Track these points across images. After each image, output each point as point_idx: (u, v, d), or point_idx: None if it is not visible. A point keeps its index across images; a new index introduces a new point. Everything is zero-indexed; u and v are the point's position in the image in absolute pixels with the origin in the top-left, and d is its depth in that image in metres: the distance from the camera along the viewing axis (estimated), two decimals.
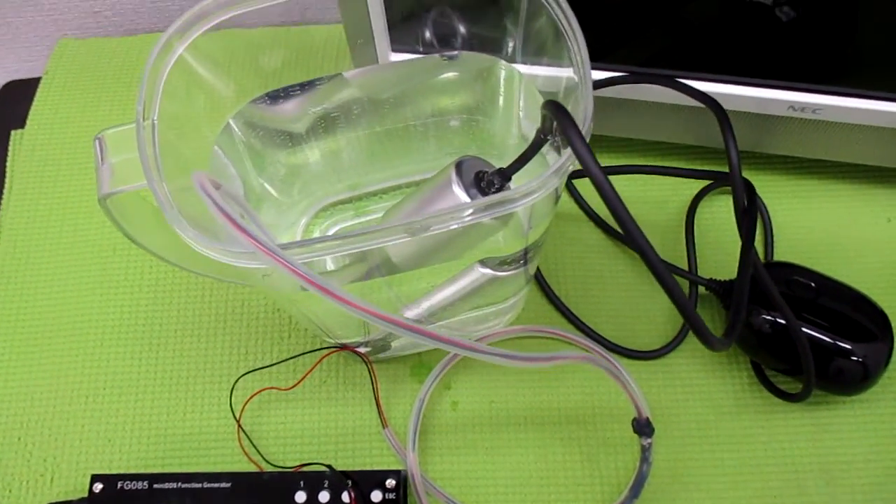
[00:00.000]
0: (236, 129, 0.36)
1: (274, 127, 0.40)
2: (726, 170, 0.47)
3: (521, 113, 0.36)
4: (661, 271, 0.24)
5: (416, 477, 0.41)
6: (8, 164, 0.53)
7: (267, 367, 0.44)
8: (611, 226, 0.48)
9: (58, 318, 0.47)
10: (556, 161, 0.26)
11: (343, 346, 0.41)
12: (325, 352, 0.40)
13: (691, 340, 0.46)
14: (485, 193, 0.34)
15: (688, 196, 0.49)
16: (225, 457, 0.43)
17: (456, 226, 0.25)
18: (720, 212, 0.49)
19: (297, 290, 0.34)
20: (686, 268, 0.47)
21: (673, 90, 0.40)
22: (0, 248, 0.49)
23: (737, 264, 0.42)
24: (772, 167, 0.50)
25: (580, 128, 0.25)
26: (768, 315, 0.41)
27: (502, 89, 0.35)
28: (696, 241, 0.47)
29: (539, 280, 0.47)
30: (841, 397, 0.43)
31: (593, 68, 0.30)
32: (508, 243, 0.35)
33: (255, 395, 0.43)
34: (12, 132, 0.54)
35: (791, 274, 0.42)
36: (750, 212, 0.35)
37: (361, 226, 0.44)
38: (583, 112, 0.26)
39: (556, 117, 0.25)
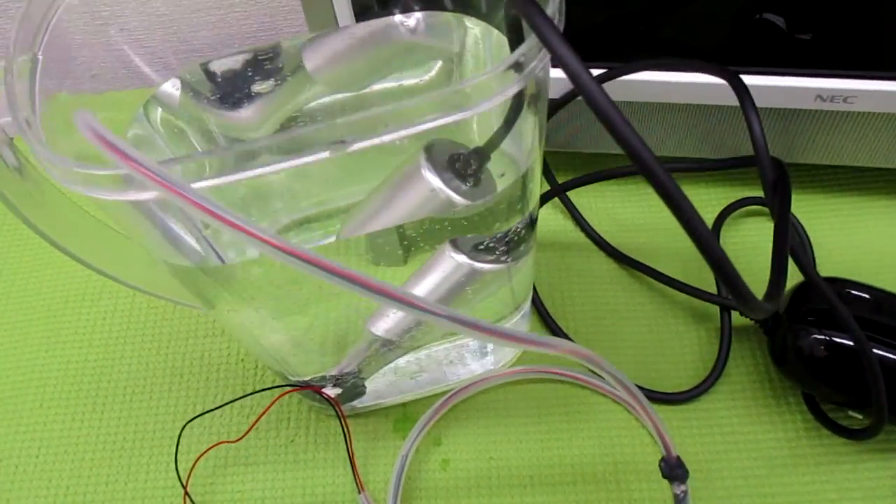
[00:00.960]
0: (178, 123, 0.31)
1: (228, 135, 0.35)
2: (750, 193, 0.42)
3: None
4: (670, 188, 0.18)
5: None
6: None
7: (214, 409, 0.37)
8: (624, 254, 0.41)
9: None
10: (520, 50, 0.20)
11: (306, 386, 0.34)
12: (282, 391, 0.34)
13: (728, 379, 0.38)
14: (462, 177, 0.29)
15: (711, 218, 0.43)
16: None
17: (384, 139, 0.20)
18: (749, 233, 0.43)
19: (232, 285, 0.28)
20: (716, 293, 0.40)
21: (681, 72, 0.35)
22: None
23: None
24: (807, 183, 0.44)
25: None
26: (822, 335, 0.33)
27: (473, 52, 0.31)
28: None
29: (542, 314, 0.40)
30: None
31: (592, 67, 0.25)
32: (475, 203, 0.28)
33: (205, 453, 0.36)
34: None
35: (843, 288, 0.35)
36: (782, 184, 0.29)
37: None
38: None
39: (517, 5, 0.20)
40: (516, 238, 0.29)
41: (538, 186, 0.29)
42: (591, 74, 0.18)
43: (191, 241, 0.25)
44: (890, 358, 0.32)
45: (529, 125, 0.26)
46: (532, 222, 0.30)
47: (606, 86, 0.32)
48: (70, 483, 0.38)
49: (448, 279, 0.29)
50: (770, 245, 0.40)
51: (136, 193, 0.19)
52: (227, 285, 0.29)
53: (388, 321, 0.31)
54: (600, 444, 0.37)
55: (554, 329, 0.39)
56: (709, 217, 0.43)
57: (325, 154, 0.20)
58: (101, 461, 0.38)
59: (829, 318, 0.34)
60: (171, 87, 0.30)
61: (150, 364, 0.41)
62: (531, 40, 0.20)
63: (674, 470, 0.30)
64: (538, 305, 0.40)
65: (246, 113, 0.35)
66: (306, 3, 0.36)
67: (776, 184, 0.28)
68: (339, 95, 0.35)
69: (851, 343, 0.33)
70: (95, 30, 0.27)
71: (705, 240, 0.19)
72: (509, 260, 0.29)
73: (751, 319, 0.37)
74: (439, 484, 0.36)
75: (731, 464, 0.36)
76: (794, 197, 0.43)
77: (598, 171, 0.38)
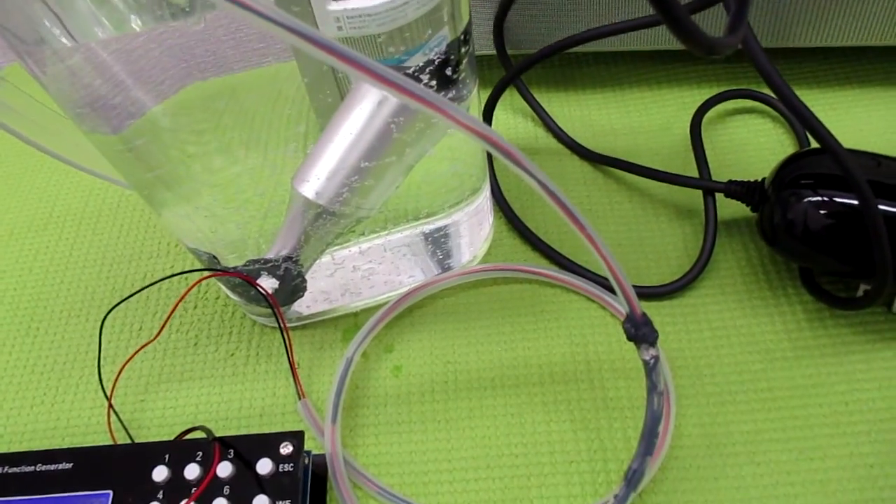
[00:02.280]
0: None
1: None
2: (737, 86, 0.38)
3: None
4: None
5: (336, 459, 0.29)
6: None
7: (130, 296, 0.33)
8: (599, 154, 0.38)
9: None
10: None
11: (233, 272, 0.31)
12: (201, 275, 0.30)
13: (717, 269, 0.34)
14: None
15: (688, 118, 0.39)
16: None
17: None
18: (734, 129, 0.39)
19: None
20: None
21: None
22: None
23: (760, 169, 0.31)
24: (800, 77, 0.40)
25: None
26: (817, 195, 0.29)
27: None
28: (707, 156, 0.37)
29: (509, 217, 0.36)
30: None
31: None
32: None
33: (129, 360, 0.33)
34: None
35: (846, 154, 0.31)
36: None
37: None
38: None
39: None
40: (445, 63, 0.26)
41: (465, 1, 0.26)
42: None
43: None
44: (894, 213, 0.28)
45: None
46: (456, 46, 0.26)
47: None
48: None
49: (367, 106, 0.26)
50: (757, 139, 0.36)
51: None
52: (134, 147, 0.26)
53: (315, 177, 0.27)
54: (571, 343, 0.32)
55: (522, 230, 0.36)
56: (688, 114, 0.39)
57: None
58: (27, 385, 0.35)
59: (821, 182, 0.30)
60: None
61: (89, 288, 0.38)
62: None
63: (639, 329, 0.25)
64: (504, 207, 0.37)
65: None
66: None
67: None
68: None
69: (851, 202, 0.29)
70: None
71: None
72: (434, 83, 0.26)
73: (735, 197, 0.33)
74: (390, 391, 0.32)
75: (721, 359, 0.31)
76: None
77: (551, 44, 0.35)
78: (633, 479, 0.26)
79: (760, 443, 0.29)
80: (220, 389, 0.33)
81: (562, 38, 0.38)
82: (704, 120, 0.39)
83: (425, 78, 0.26)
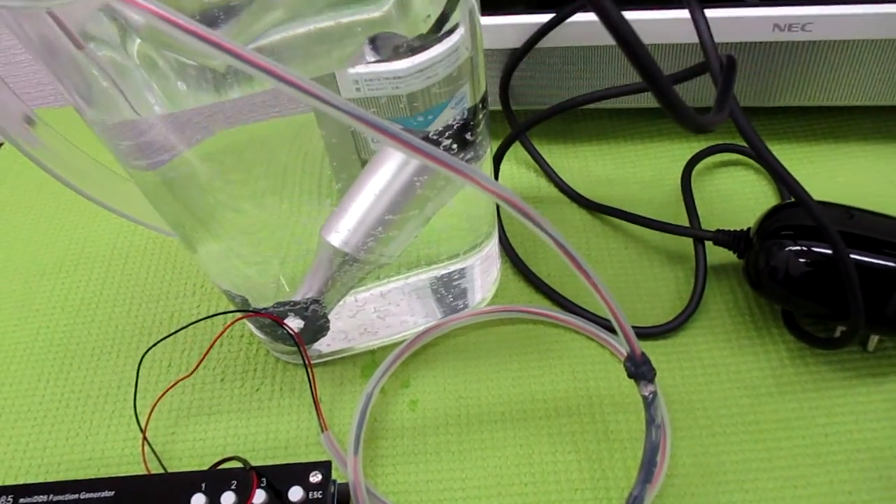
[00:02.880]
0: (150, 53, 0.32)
1: (191, 60, 0.36)
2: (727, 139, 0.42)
3: None
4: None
5: (358, 487, 0.32)
6: None
7: (167, 336, 0.37)
8: (597, 202, 0.41)
9: None
10: None
11: (264, 313, 0.33)
12: (234, 316, 0.33)
13: (707, 311, 0.37)
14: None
15: (681, 168, 0.42)
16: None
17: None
18: (721, 181, 0.42)
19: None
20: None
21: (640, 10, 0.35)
22: None
23: (745, 218, 0.34)
24: (780, 131, 0.44)
25: None
26: (798, 245, 0.32)
27: None
28: (696, 205, 0.40)
29: (514, 261, 0.39)
30: None
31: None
32: None
33: (164, 394, 0.35)
34: None
35: (821, 205, 0.34)
36: (730, 63, 0.28)
37: None
38: None
39: None
40: (465, 127, 0.29)
41: (481, 72, 0.29)
42: None
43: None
44: (865, 261, 0.31)
45: (461, 16, 0.27)
46: (475, 113, 0.30)
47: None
48: (30, 440, 0.36)
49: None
50: (743, 190, 0.40)
51: None
52: (180, 190, 0.29)
53: (344, 227, 0.30)
54: (574, 379, 0.35)
55: (527, 274, 0.39)
56: (678, 169, 0.43)
57: None
58: (63, 418, 0.37)
59: (800, 232, 0.33)
60: None
61: (119, 325, 0.40)
62: None
63: (639, 367, 0.28)
64: (510, 253, 0.39)
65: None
66: None
67: (724, 65, 0.28)
68: (292, 32, 0.36)
69: (826, 251, 0.32)
70: None
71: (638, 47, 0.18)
72: (454, 147, 0.29)
73: (723, 245, 0.36)
74: (406, 424, 0.35)
75: (712, 395, 0.34)
76: (768, 146, 0.43)
77: (554, 106, 0.38)
78: (636, 500, 0.29)
79: (748, 471, 0.31)
80: (247, 422, 0.36)
81: (561, 94, 0.42)
82: (694, 172, 0.42)
83: (447, 141, 0.29)
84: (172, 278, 0.42)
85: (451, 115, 0.29)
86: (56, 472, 0.35)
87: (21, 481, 0.35)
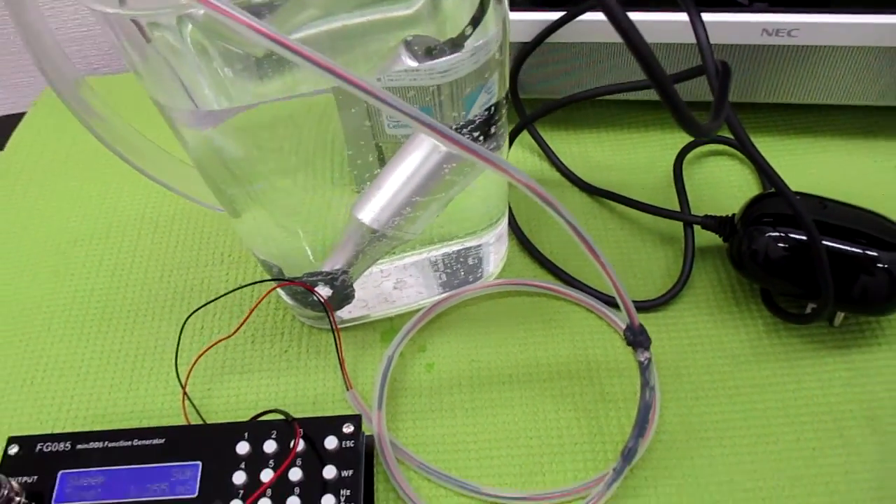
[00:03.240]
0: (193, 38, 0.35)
1: (242, 50, 0.38)
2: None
3: None
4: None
5: (382, 438, 0.35)
6: None
7: (209, 302, 0.40)
8: (595, 186, 0.45)
9: (7, 308, 0.44)
10: None
11: (297, 281, 0.37)
12: (271, 285, 0.36)
13: (693, 289, 0.41)
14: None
15: (673, 155, 0.46)
16: None
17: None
18: (711, 170, 0.46)
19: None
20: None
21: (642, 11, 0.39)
22: None
23: (731, 204, 0.38)
24: (763, 126, 0.48)
25: None
26: (777, 231, 0.36)
27: None
28: (686, 191, 0.44)
29: (521, 240, 0.43)
30: (872, 330, 0.38)
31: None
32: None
33: (204, 352, 0.39)
34: None
35: (798, 195, 0.38)
36: (725, 70, 0.32)
37: None
38: None
39: None
40: (488, 119, 0.32)
41: (506, 70, 0.32)
42: None
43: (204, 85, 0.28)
44: (840, 248, 0.35)
45: (494, 19, 0.30)
46: (499, 107, 0.33)
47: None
48: (74, 393, 0.40)
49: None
50: (729, 178, 0.43)
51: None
52: (234, 165, 0.32)
53: (375, 207, 0.34)
54: (574, 347, 0.39)
55: (532, 251, 0.42)
56: (670, 156, 0.46)
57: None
58: (104, 373, 0.40)
59: (780, 220, 0.37)
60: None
61: (153, 290, 0.44)
62: None
63: (637, 336, 0.32)
64: (518, 233, 0.43)
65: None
66: None
67: (719, 71, 0.31)
68: (327, 26, 0.39)
69: (801, 237, 0.36)
70: None
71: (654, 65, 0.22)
72: (481, 138, 0.33)
73: (710, 229, 0.40)
74: (424, 384, 0.38)
75: (697, 362, 0.38)
76: (752, 138, 0.47)
77: (557, 100, 0.42)
78: (628, 455, 0.33)
79: (727, 429, 0.36)
80: (277, 381, 0.39)
81: (567, 84, 0.45)
82: (685, 160, 0.46)
83: (475, 133, 0.33)
84: (200, 247, 0.45)
85: (479, 109, 0.32)
86: (101, 422, 0.39)
87: (69, 430, 0.38)
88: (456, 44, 0.32)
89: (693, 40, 0.35)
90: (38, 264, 0.46)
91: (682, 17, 0.37)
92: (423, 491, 0.35)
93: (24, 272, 0.45)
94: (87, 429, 0.38)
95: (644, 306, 0.40)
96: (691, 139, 0.46)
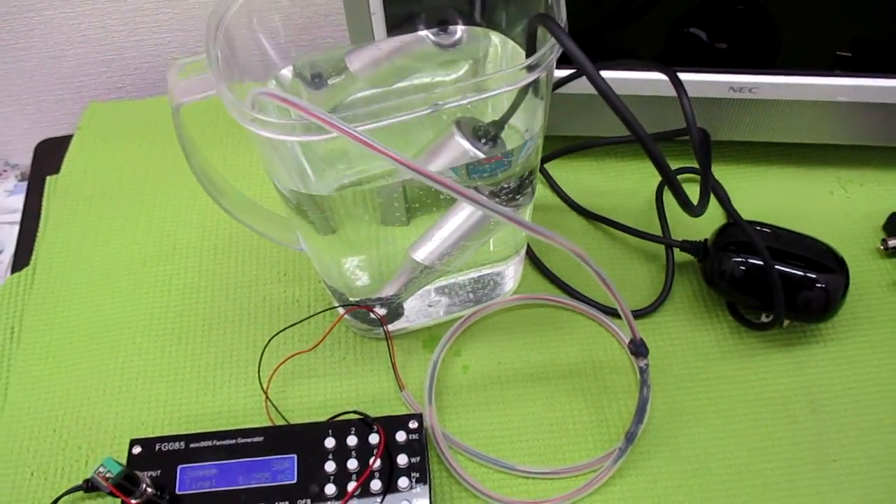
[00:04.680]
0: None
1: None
2: (687, 164, 0.55)
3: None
4: (640, 133, 0.30)
5: (435, 429, 0.44)
6: (43, 203, 0.58)
7: (293, 325, 0.48)
8: (590, 212, 0.54)
9: (91, 323, 0.51)
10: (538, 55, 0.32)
11: (363, 305, 0.45)
12: (344, 309, 0.45)
13: (673, 300, 0.50)
14: (483, 142, 0.41)
15: (654, 185, 0.56)
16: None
17: (463, 102, 0.31)
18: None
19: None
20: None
21: (623, 71, 0.47)
22: (36, 274, 0.54)
23: (705, 233, 0.48)
24: (727, 157, 0.57)
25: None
26: (740, 257, 0.46)
27: (492, 58, 0.42)
28: (667, 216, 0.53)
29: (533, 259, 0.52)
30: (813, 334, 0.48)
31: (565, 68, 0.37)
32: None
33: (285, 361, 0.47)
34: (48, 178, 0.60)
35: (753, 226, 0.48)
36: (705, 141, 0.41)
37: None
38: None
39: (544, 23, 0.32)
40: (522, 184, 0.41)
41: (539, 149, 0.41)
42: (594, 67, 0.30)
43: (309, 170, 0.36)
44: (787, 271, 0.45)
45: (536, 106, 0.38)
46: (532, 174, 0.42)
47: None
48: (166, 399, 0.47)
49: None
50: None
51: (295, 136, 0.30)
52: (326, 214, 0.40)
53: (428, 249, 0.42)
54: (581, 350, 0.48)
55: (542, 269, 0.51)
56: (653, 183, 0.56)
57: (427, 111, 0.31)
58: (189, 381, 0.48)
59: (743, 247, 0.46)
60: (287, 72, 0.41)
61: (221, 307, 0.51)
62: (542, 49, 0.32)
63: (638, 348, 0.42)
64: (530, 254, 0.52)
65: (323, 95, 0.46)
66: (350, 21, 0.47)
67: (702, 142, 0.40)
68: (371, 91, 0.46)
69: (759, 262, 0.46)
70: (246, 26, 0.37)
71: (664, 165, 0.31)
72: (518, 199, 0.41)
73: (687, 252, 0.50)
74: (462, 383, 0.47)
75: (677, 360, 0.48)
76: (717, 167, 0.56)
77: (569, 146, 0.50)
78: (630, 437, 0.43)
79: (701, 413, 0.46)
80: (340, 383, 0.48)
81: (571, 126, 0.54)
82: (664, 189, 0.55)
83: (510, 195, 0.41)
84: (259, 266, 0.53)
85: (515, 177, 0.41)
86: (192, 423, 0.46)
87: (165, 432, 0.46)
88: (499, 125, 0.40)
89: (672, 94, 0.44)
90: (114, 283, 0.52)
91: (661, 76, 0.46)
92: (470, 470, 0.44)
93: (101, 290, 0.52)
94: (181, 428, 0.46)
95: (636, 315, 0.49)
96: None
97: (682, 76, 0.49)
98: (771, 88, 0.49)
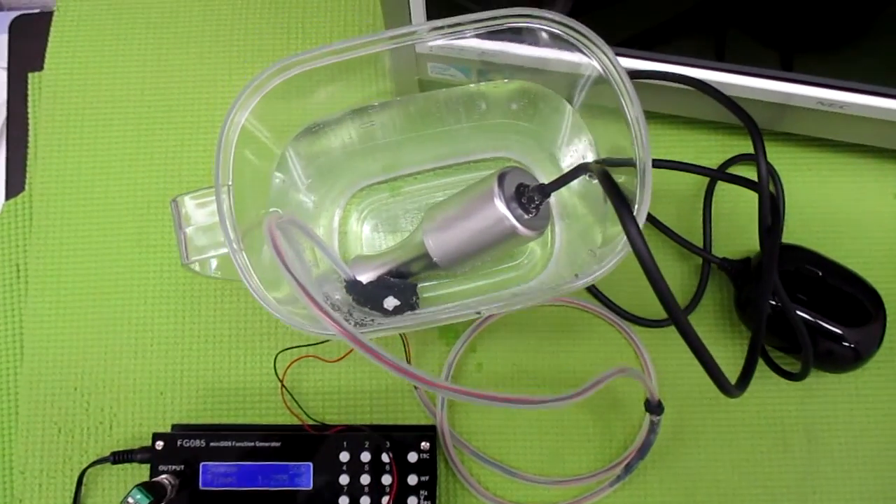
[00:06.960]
0: (291, 155, 0.37)
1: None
2: (747, 150, 0.49)
3: (565, 134, 0.37)
4: (693, 338, 0.27)
5: (445, 432, 0.46)
6: (30, 111, 0.53)
7: (305, 346, 0.47)
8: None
9: (99, 275, 0.49)
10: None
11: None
12: None
13: (698, 313, 0.49)
14: (524, 208, 0.37)
15: (704, 182, 0.51)
16: (270, 410, 0.48)
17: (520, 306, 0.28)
18: (739, 191, 0.51)
19: None
20: (701, 245, 0.49)
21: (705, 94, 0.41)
22: (34, 206, 0.50)
23: (750, 247, 0.45)
24: (788, 142, 0.52)
25: (633, 208, 0.27)
26: (773, 300, 0.44)
27: (548, 110, 0.36)
28: (713, 219, 0.50)
29: None
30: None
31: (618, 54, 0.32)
32: None
33: (298, 359, 0.47)
34: (30, 75, 0.53)
35: (801, 260, 0.45)
36: (773, 230, 0.37)
37: (396, 204, 0.46)
38: (639, 198, 0.28)
39: (611, 195, 0.27)
40: None
41: None
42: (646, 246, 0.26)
43: None
44: (814, 322, 0.44)
45: None
46: None
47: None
48: (183, 369, 0.48)
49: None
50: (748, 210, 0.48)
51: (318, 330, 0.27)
52: None
53: (444, 248, 0.40)
54: (596, 358, 0.48)
55: None
56: (703, 181, 0.51)
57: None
58: (204, 354, 0.48)
59: (784, 278, 0.44)
60: None
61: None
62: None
63: (655, 408, 0.42)
64: None
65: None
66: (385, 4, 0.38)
67: (769, 230, 0.36)
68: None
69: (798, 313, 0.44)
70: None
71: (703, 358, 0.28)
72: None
73: (725, 272, 0.47)
74: (475, 381, 0.48)
75: (689, 375, 0.48)
76: (777, 151, 0.51)
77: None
78: (629, 469, 0.45)
79: (701, 435, 0.48)
80: (355, 375, 0.48)
81: None
82: (715, 190, 0.50)
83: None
84: None
85: None
86: (211, 397, 0.48)
87: (184, 407, 0.47)
88: (545, 192, 0.36)
89: None
90: (120, 232, 0.50)
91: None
92: (474, 471, 0.47)
93: (105, 236, 0.50)
94: (200, 401, 0.47)
95: (655, 324, 0.48)
96: (725, 158, 0.50)
97: (768, 84, 0.42)
98: (860, 108, 0.43)
